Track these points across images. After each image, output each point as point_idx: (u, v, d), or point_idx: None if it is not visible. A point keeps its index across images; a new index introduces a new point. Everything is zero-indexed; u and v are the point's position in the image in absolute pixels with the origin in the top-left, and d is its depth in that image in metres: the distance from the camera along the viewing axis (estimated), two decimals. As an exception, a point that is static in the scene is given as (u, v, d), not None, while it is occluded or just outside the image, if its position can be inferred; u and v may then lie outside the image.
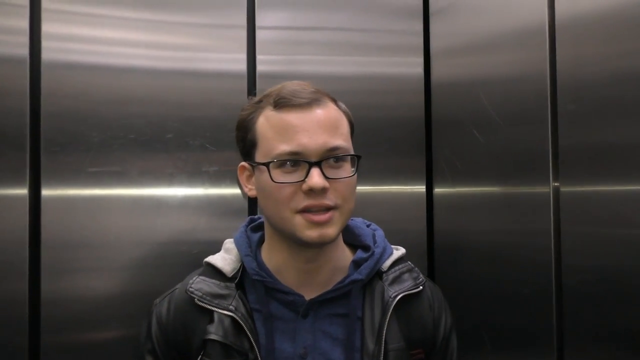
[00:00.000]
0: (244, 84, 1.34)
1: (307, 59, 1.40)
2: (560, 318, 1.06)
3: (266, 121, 0.90)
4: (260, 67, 1.35)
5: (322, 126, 0.87)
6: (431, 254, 1.42)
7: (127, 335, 1.22)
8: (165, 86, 1.29)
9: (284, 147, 0.87)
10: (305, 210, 0.87)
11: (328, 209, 0.87)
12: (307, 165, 0.86)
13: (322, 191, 0.86)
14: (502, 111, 1.20)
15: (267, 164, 0.88)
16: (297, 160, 0.87)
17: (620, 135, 0.95)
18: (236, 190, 1.32)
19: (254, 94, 1.22)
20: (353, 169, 0.91)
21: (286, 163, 0.87)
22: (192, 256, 1.25)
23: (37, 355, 1.19)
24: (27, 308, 1.18)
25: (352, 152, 0.91)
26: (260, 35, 1.36)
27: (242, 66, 1.35)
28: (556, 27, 1.07)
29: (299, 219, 0.87)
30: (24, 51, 1.22)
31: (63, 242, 1.21)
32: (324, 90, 0.93)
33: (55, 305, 1.20)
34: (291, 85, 0.91)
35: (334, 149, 0.88)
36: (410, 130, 1.44)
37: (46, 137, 1.22)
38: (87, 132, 1.24)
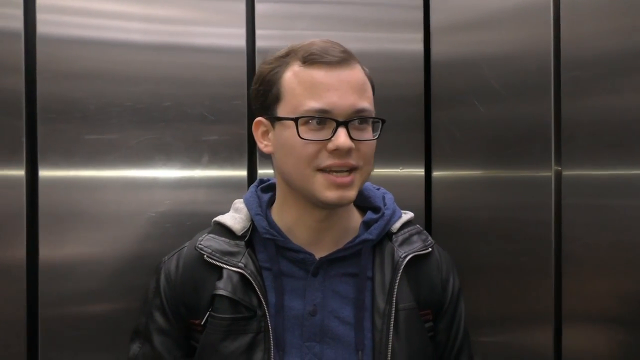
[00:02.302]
0: (242, 60, 1.32)
1: (305, 34, 1.37)
2: (558, 292, 1.07)
3: (294, 76, 0.89)
4: (259, 43, 1.33)
5: (352, 87, 0.88)
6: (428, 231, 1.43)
7: (124, 308, 1.22)
8: (161, 61, 1.27)
9: (313, 104, 0.86)
10: (327, 170, 0.87)
11: (350, 170, 0.88)
12: (334, 124, 0.86)
13: (347, 152, 0.86)
14: (506, 89, 1.20)
15: (295, 120, 0.87)
16: (325, 118, 0.86)
17: (625, 114, 0.95)
18: (235, 162, 1.30)
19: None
20: (376, 133, 0.92)
21: (313, 120, 0.87)
22: (188, 227, 1.24)
23: (36, 328, 1.19)
24: (25, 284, 1.18)
25: (377, 116, 0.92)
26: (259, 8, 1.34)
27: (240, 41, 1.32)
28: (561, 2, 1.06)
29: (319, 178, 0.88)
30: (19, 24, 1.19)
31: (61, 211, 1.21)
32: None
33: (54, 280, 1.20)
34: (320, 43, 0.90)
35: (361, 110, 0.88)
36: (409, 109, 1.43)
37: (42, 104, 1.20)
38: (84, 99, 1.22)
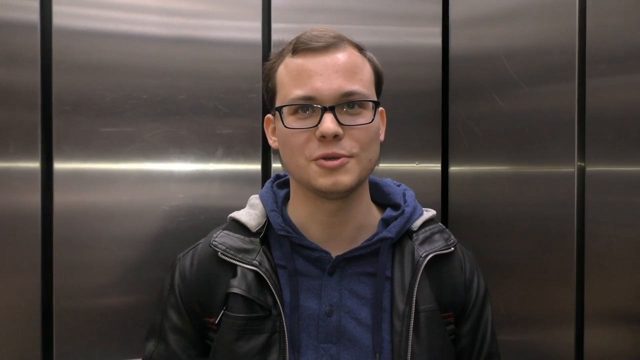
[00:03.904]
0: (258, 53, 1.31)
1: (322, 27, 1.36)
2: (580, 291, 1.05)
3: (284, 68, 0.89)
4: (275, 36, 1.32)
5: (338, 70, 0.85)
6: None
7: (138, 301, 1.22)
8: (177, 54, 1.26)
9: (297, 92, 0.85)
10: (319, 159, 0.85)
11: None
12: (320, 111, 0.84)
13: (336, 138, 0.83)
14: (528, 84, 1.17)
15: (279, 109, 0.87)
16: (310, 105, 0.84)
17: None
18: (249, 156, 1.30)
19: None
20: (372, 116, 0.86)
21: (299, 108, 0.85)
22: (202, 221, 1.24)
23: (50, 322, 1.19)
24: (40, 277, 1.18)
25: (371, 99, 0.87)
26: (275, 1, 1.32)
27: (256, 35, 1.31)
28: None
29: (313, 167, 0.85)
30: (35, 16, 1.19)
31: (75, 204, 1.20)
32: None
33: (68, 275, 1.20)
34: (311, 31, 0.88)
35: (349, 93, 0.85)
36: (427, 104, 1.41)
37: (58, 96, 1.20)
38: (99, 91, 1.22)
